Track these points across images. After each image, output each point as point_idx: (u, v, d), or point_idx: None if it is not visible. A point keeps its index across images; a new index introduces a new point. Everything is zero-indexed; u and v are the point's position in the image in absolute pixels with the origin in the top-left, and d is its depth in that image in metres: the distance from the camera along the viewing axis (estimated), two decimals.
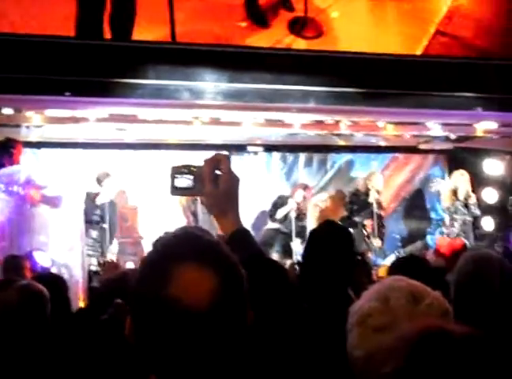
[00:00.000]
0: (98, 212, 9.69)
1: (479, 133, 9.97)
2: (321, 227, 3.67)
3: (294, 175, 11.52)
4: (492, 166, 11.34)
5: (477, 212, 10.72)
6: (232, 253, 1.51)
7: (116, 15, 7.49)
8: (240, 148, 10.88)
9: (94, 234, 9.66)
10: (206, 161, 2.03)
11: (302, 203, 10.72)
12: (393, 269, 3.96)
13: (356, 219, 10.60)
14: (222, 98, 7.92)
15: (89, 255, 9.42)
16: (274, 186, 11.10)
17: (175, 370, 1.41)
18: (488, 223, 10.89)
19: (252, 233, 2.16)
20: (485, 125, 9.60)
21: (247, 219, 10.64)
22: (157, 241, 1.53)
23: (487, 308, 2.82)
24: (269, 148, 11.13)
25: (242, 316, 1.46)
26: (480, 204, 10.94)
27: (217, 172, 2.02)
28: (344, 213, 10.83)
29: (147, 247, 9.81)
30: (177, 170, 2.05)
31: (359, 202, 10.74)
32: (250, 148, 10.88)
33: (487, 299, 2.87)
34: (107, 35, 7.51)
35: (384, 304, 1.80)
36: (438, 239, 10.51)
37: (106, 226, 9.72)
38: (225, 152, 2.30)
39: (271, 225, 10.39)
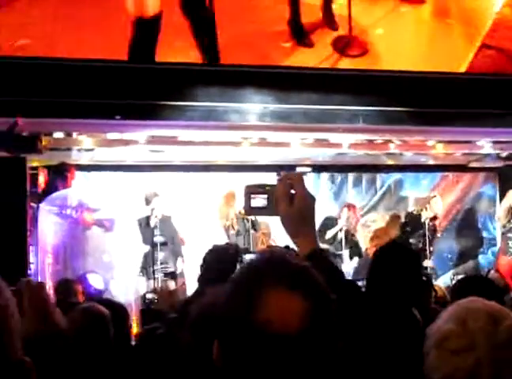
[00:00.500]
0: (157, 232, 9.74)
1: None
2: (389, 247, 3.65)
3: (343, 195, 11.46)
4: None
5: None
6: (321, 278, 1.49)
7: None
8: (289, 169, 10.87)
9: (161, 255, 9.71)
10: (281, 180, 2.02)
11: (347, 222, 10.64)
12: (459, 289, 3.94)
13: (411, 240, 10.47)
14: (270, 119, 7.94)
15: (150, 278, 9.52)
16: (323, 207, 11.04)
17: None
18: None
19: None
20: None
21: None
22: (247, 263, 1.51)
23: None
24: (318, 168, 11.10)
25: (331, 342, 1.44)
26: None
27: (292, 191, 2.01)
28: (398, 234, 10.73)
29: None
30: (252, 190, 2.03)
31: (413, 223, 10.64)
32: (298, 169, 10.85)
33: None
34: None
35: (462, 326, 1.78)
36: (500, 259, 10.32)
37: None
38: (301, 170, 2.29)
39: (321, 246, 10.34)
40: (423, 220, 10.52)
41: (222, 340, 1.43)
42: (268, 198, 2.02)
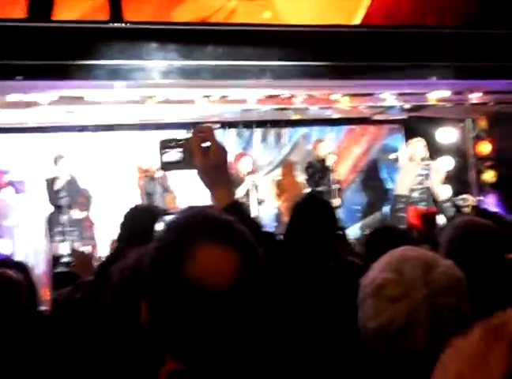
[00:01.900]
0: (63, 194, 9.56)
1: (432, 102, 10.02)
2: (304, 201, 3.65)
3: (250, 151, 11.47)
4: (447, 134, 11.43)
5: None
6: (248, 231, 1.47)
7: None
8: (195, 126, 10.81)
9: (68, 218, 9.54)
10: (194, 133, 2.01)
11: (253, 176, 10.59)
12: (372, 240, 4.03)
13: (320, 189, 10.49)
14: (175, 76, 7.85)
15: (59, 241, 9.33)
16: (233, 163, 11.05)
17: (196, 353, 1.37)
18: (446, 191, 10.97)
19: None
20: (438, 94, 9.66)
21: (207, 197, 10.59)
22: (172, 221, 1.48)
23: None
24: (225, 124, 11.08)
25: (263, 296, 1.43)
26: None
27: (205, 144, 2.00)
28: (303, 184, 10.78)
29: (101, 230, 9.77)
30: (165, 145, 2.01)
31: (317, 171, 10.66)
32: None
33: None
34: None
35: (398, 274, 1.81)
36: (409, 210, 10.49)
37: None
38: (209, 125, 2.26)
39: None
40: (327, 164, 10.54)
41: (151, 300, 1.40)
42: (183, 152, 2.00)
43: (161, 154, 2.01)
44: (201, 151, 2.00)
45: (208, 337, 1.36)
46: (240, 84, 8.20)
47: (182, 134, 2.20)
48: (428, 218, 8.33)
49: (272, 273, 1.83)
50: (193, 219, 1.45)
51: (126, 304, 2.01)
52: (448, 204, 10.36)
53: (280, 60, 7.93)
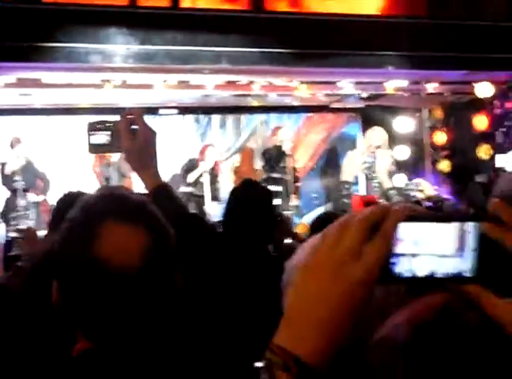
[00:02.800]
0: (17, 178, 9.47)
1: (389, 91, 10.10)
2: (241, 186, 3.65)
3: (208, 138, 11.46)
4: (403, 124, 11.52)
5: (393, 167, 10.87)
6: (160, 212, 1.48)
7: None
8: (153, 111, 10.78)
9: (19, 203, 9.46)
10: (121, 116, 2.00)
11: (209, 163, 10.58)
12: (316, 225, 4.06)
13: (275, 175, 10.55)
14: (132, 60, 7.80)
15: (14, 225, 9.24)
16: (189, 149, 11.03)
17: (104, 332, 1.38)
18: (402, 179, 11.06)
19: None
20: (395, 83, 9.74)
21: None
22: (83, 201, 1.47)
23: None
24: (183, 110, 11.05)
25: (171, 275, 1.44)
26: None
27: (133, 127, 1.99)
28: (260, 170, 10.81)
29: None
30: (93, 127, 2.00)
31: (273, 157, 10.70)
32: (162, 111, 10.77)
33: None
34: None
35: None
36: (353, 198, 10.59)
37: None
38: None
39: (184, 189, 10.24)
40: (283, 150, 10.59)
41: (61, 281, 1.40)
42: (111, 135, 1.99)
43: (89, 136, 2.00)
44: (129, 133, 1.99)
45: (115, 316, 1.36)
46: (198, 69, 8.17)
47: (111, 117, 2.18)
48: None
49: (188, 253, 1.85)
50: (103, 199, 1.46)
51: (38, 287, 1.99)
52: (393, 191, 10.47)
53: (238, 46, 7.92)
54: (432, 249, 0.95)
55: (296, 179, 10.74)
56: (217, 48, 7.85)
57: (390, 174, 10.70)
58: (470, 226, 0.96)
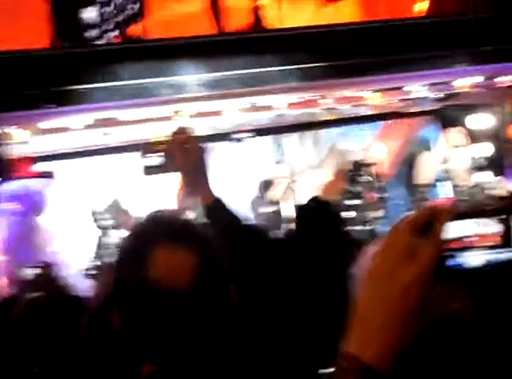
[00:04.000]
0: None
1: (465, 89, 9.94)
2: (306, 205, 3.55)
3: (287, 157, 11.46)
4: (483, 120, 11.31)
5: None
6: (206, 230, 1.54)
7: None
8: (228, 136, 10.88)
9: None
10: (173, 135, 2.03)
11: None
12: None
13: (358, 188, 10.48)
14: (204, 89, 7.90)
15: None
16: (269, 170, 11.04)
17: (167, 353, 1.40)
18: (487, 177, 10.84)
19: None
20: (470, 80, 9.58)
21: (247, 206, 10.62)
22: (132, 227, 1.59)
23: None
24: (259, 132, 11.09)
25: (224, 292, 1.46)
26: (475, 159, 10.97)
27: (185, 146, 2.01)
28: (345, 186, 10.75)
29: None
30: (147, 150, 2.02)
31: (359, 172, 10.65)
32: (237, 135, 10.84)
33: None
34: None
35: None
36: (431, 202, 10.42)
37: None
38: (187, 126, 2.27)
39: (263, 209, 10.20)
40: (367, 168, 10.56)
41: (119, 307, 1.45)
42: (164, 155, 2.01)
43: (143, 159, 2.02)
44: (182, 152, 2.01)
45: (172, 336, 1.39)
46: (267, 90, 8.22)
47: (163, 137, 2.20)
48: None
49: (244, 264, 1.84)
50: (150, 223, 1.51)
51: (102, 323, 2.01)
52: (475, 190, 10.27)
53: (304, 63, 7.94)
54: (481, 243, 0.99)
55: (380, 189, 10.63)
56: (283, 67, 7.89)
57: (471, 173, 10.51)
58: None
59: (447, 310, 1.65)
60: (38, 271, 5.94)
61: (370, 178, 10.47)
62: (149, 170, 2.04)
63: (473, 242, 0.86)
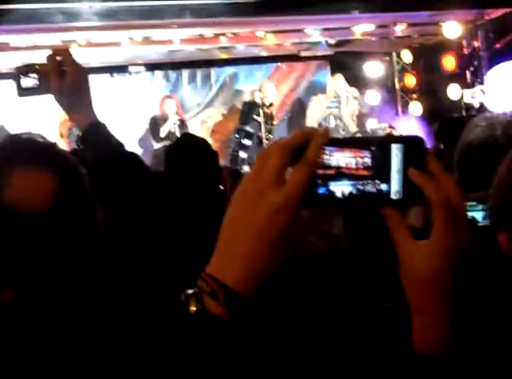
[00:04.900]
0: None
1: (357, 36, 10.07)
2: (178, 141, 3.56)
3: (178, 93, 11.38)
4: (373, 68, 11.50)
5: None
6: (70, 154, 1.49)
7: None
8: (121, 69, 10.70)
9: None
10: (49, 56, 1.96)
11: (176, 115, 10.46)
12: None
13: (248, 129, 10.54)
14: (96, 18, 7.69)
15: None
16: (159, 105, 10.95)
17: (26, 278, 1.39)
18: (373, 124, 11.08)
19: (141, 154, 2.10)
20: (363, 28, 9.69)
21: (134, 140, 10.52)
22: None
23: None
24: (151, 66, 10.96)
25: (87, 215, 1.45)
26: (363, 106, 11.20)
27: (63, 68, 1.95)
28: (237, 126, 10.79)
29: None
30: (21, 71, 1.96)
31: (248, 111, 10.69)
32: (131, 69, 10.68)
33: None
34: None
35: None
36: None
37: None
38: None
39: (157, 145, 10.13)
40: (259, 109, 10.61)
41: None
42: (39, 78, 1.96)
43: (17, 80, 1.96)
44: (57, 74, 1.95)
45: (31, 261, 1.37)
46: (162, 23, 8.09)
47: (38, 59, 2.13)
48: None
49: (124, 192, 1.83)
50: (11, 144, 1.46)
51: None
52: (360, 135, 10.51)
53: None
54: (354, 172, 0.97)
55: (269, 131, 10.71)
56: (180, 1, 7.77)
57: (357, 119, 10.74)
58: (394, 148, 0.98)
59: (324, 236, 1.66)
60: None
61: (261, 119, 10.54)
62: (23, 91, 1.97)
63: (344, 171, 0.88)
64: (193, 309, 0.93)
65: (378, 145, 0.98)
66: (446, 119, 4.57)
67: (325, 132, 0.97)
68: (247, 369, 0.94)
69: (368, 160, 0.98)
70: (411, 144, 0.99)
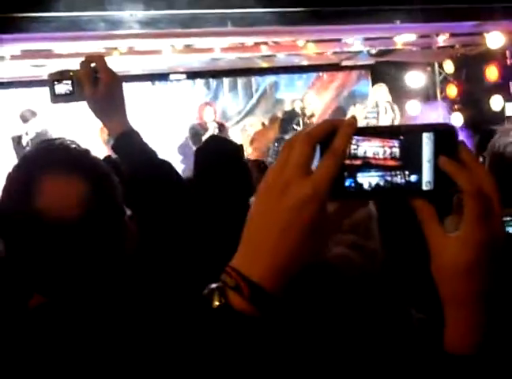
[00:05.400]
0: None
1: (399, 46, 10.00)
2: (207, 143, 3.49)
3: (219, 101, 11.42)
4: (415, 79, 11.43)
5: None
6: (103, 162, 1.48)
7: None
8: (163, 77, 10.76)
9: None
10: (82, 63, 1.96)
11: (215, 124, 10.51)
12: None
13: (287, 137, 10.56)
14: (138, 26, 7.74)
15: None
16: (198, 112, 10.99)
17: (55, 284, 1.38)
18: None
19: (180, 161, 2.09)
20: (404, 38, 9.63)
21: (174, 147, 10.55)
22: (22, 155, 1.46)
23: None
24: (192, 74, 11.00)
25: (117, 223, 1.44)
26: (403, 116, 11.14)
27: (96, 75, 1.95)
28: (277, 135, 10.83)
29: None
30: (55, 77, 1.96)
31: (288, 119, 10.73)
32: (172, 76, 10.75)
33: None
34: None
35: None
36: None
37: None
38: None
39: None
40: (300, 118, 10.63)
41: (6, 237, 1.40)
42: (73, 84, 1.96)
43: (51, 87, 1.96)
44: (91, 81, 1.94)
45: (60, 268, 1.36)
46: (204, 32, 8.11)
47: (73, 66, 2.14)
48: None
49: (155, 201, 1.82)
50: (43, 150, 1.45)
51: None
52: None
53: (243, 7, 7.84)
54: (381, 162, 0.94)
55: None
56: (220, 10, 7.79)
57: None
58: (425, 136, 0.95)
59: (361, 250, 1.64)
60: None
61: (301, 129, 10.53)
62: (56, 98, 1.97)
63: (372, 161, 0.85)
64: (217, 303, 0.91)
65: (408, 134, 0.95)
66: (486, 131, 4.52)
67: (352, 121, 0.94)
68: (270, 366, 0.91)
69: (397, 150, 0.94)
70: (442, 132, 0.95)
